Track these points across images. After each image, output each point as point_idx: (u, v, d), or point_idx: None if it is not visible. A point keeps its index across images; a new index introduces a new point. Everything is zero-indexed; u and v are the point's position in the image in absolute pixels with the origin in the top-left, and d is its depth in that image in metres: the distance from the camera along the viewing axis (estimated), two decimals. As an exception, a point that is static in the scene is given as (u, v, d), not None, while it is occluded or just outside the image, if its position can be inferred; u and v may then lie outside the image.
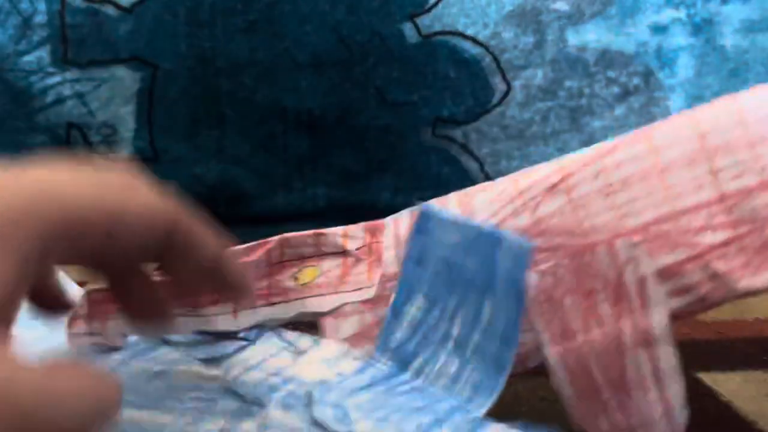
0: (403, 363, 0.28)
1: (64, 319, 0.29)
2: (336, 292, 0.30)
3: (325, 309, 0.30)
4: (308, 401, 0.25)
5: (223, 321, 0.30)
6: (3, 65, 0.60)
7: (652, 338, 0.24)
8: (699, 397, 0.30)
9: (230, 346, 0.29)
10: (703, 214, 0.24)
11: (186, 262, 0.24)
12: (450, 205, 0.29)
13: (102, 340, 0.29)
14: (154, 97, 0.62)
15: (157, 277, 0.25)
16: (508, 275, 0.27)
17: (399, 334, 0.28)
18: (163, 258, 0.23)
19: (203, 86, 0.62)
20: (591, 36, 0.64)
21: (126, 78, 0.61)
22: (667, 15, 0.64)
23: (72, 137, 0.62)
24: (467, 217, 0.29)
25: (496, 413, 0.28)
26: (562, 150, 0.66)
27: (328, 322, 0.30)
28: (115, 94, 0.61)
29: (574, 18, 0.63)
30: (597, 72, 0.64)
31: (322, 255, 0.31)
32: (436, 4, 0.62)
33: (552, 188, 0.27)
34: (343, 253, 0.32)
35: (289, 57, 0.61)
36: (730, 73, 0.66)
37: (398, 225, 0.32)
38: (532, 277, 0.26)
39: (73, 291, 0.29)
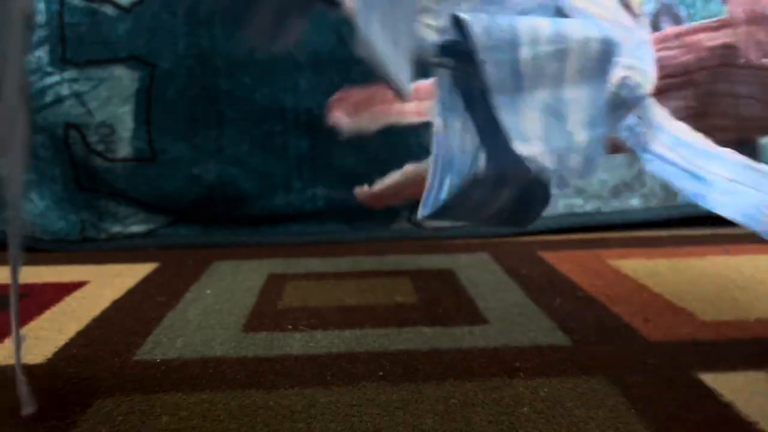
0: None
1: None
2: None
3: None
4: None
5: None
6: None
7: None
8: (700, 398, 0.30)
9: None
10: None
11: None
12: None
13: None
14: (152, 96, 0.61)
15: None
16: None
17: None
18: None
19: (202, 86, 0.61)
20: (591, 36, 0.64)
21: (124, 77, 0.61)
22: (667, 15, 0.64)
23: (70, 137, 0.61)
24: None
25: (495, 413, 0.28)
26: (562, 150, 0.66)
27: None
28: (113, 93, 0.61)
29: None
30: (597, 72, 0.64)
31: None
32: None
33: None
34: None
35: (288, 56, 0.61)
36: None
37: None
38: None
39: None
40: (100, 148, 0.62)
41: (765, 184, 0.28)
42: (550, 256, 0.57)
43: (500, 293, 0.46)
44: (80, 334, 0.39)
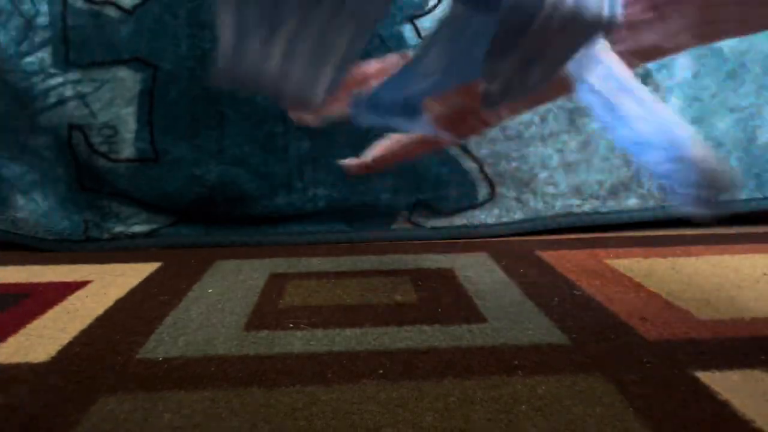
0: None
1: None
2: None
3: None
4: None
5: None
6: (5, 66, 0.60)
7: None
8: (697, 397, 0.30)
9: None
10: None
11: None
12: None
13: None
14: (154, 97, 0.62)
15: None
16: None
17: None
18: None
19: (203, 87, 0.62)
20: (590, 37, 0.64)
21: (127, 79, 0.61)
22: (666, 17, 0.64)
23: (73, 138, 0.62)
24: None
25: (494, 411, 0.29)
26: (561, 151, 0.66)
27: None
28: (116, 95, 0.61)
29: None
30: (596, 73, 0.64)
31: None
32: (435, 6, 0.62)
33: None
34: None
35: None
36: (728, 75, 0.67)
37: None
38: None
39: None
40: (103, 149, 0.62)
41: (666, 129, 0.29)
42: (548, 256, 0.57)
43: (499, 292, 0.46)
44: (83, 333, 0.39)
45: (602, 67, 0.31)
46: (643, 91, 0.32)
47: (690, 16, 0.33)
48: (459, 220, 0.67)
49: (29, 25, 0.60)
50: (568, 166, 0.67)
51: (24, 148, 0.63)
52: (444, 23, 0.32)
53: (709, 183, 0.29)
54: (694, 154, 0.30)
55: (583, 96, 0.32)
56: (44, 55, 0.60)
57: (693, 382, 0.32)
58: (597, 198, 0.68)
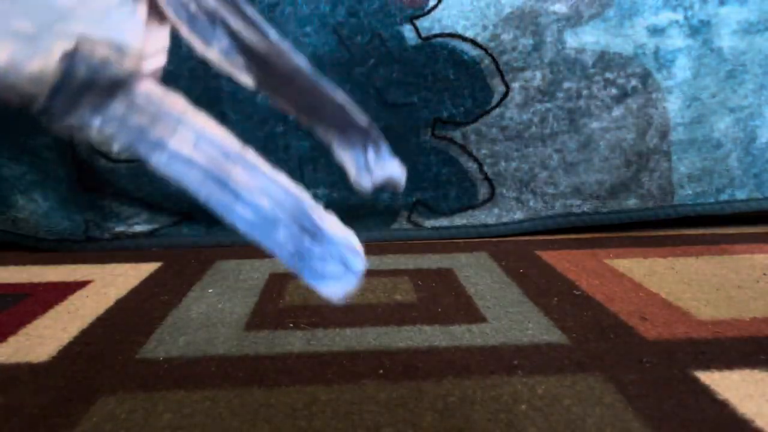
0: None
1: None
2: None
3: None
4: None
5: None
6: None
7: None
8: (696, 395, 0.30)
9: None
10: None
11: None
12: None
13: None
14: (155, 98, 0.62)
15: None
16: None
17: None
18: None
19: (204, 87, 0.62)
20: (589, 38, 0.64)
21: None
22: (665, 17, 0.64)
23: (75, 138, 0.62)
24: None
25: (494, 411, 0.29)
26: (561, 151, 0.66)
27: None
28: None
29: (573, 20, 0.63)
30: (595, 73, 0.64)
31: None
32: (435, 6, 0.62)
33: None
34: None
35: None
36: (728, 75, 0.67)
37: None
38: None
39: None
40: (104, 149, 0.62)
41: (286, 200, 0.25)
42: (548, 256, 0.57)
43: (499, 292, 0.46)
44: (84, 333, 0.39)
45: (191, 130, 0.25)
46: (253, 155, 0.27)
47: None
48: (459, 220, 0.67)
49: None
50: (568, 166, 0.67)
51: (24, 148, 0.63)
52: None
53: (346, 256, 0.25)
54: (327, 225, 0.25)
55: (172, 172, 0.25)
56: (44, 55, 0.60)
57: (693, 381, 0.32)
58: (597, 198, 0.68)
